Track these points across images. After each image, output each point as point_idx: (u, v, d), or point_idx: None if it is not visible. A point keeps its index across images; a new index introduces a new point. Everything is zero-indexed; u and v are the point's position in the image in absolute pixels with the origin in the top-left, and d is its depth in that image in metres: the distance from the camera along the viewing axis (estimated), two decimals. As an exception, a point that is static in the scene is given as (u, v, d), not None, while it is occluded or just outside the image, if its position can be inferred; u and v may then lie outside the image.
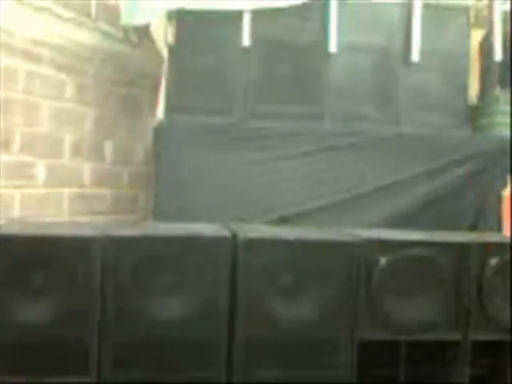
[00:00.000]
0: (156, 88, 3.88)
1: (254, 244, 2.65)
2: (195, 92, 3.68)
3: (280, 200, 3.51)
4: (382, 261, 2.85)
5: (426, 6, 3.92)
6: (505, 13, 4.15)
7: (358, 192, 3.66)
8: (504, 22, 4.09)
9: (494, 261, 2.97)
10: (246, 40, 3.66)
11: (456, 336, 2.94)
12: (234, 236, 2.65)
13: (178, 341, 2.51)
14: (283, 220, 3.43)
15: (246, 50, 3.66)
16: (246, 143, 3.58)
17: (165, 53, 3.74)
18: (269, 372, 2.64)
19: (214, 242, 2.59)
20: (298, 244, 2.73)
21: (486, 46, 4.22)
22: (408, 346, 2.92)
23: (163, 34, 3.75)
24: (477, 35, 4.32)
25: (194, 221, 2.94)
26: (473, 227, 3.62)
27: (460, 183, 3.77)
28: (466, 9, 4.07)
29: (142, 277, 2.53)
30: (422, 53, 3.88)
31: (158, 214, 3.50)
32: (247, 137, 3.59)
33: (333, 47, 3.74)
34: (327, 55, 3.75)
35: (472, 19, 4.23)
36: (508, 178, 3.64)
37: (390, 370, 2.98)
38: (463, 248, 2.95)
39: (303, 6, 3.74)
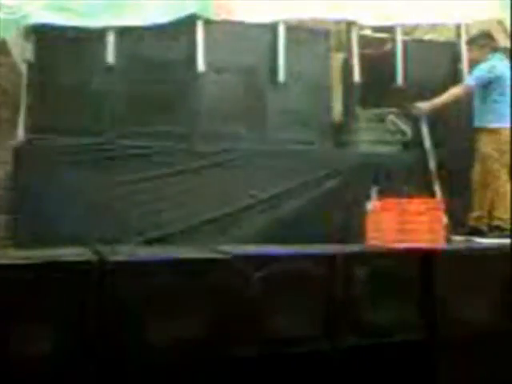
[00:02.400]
0: (16, 107, 3.65)
1: (123, 267, 2.54)
2: (59, 111, 3.50)
3: (155, 220, 3.42)
4: (257, 275, 2.87)
5: (290, 29, 4.06)
6: (362, 37, 4.43)
7: (232, 209, 3.67)
8: (360, 46, 4.36)
9: (361, 270, 3.11)
10: (110, 57, 3.55)
11: (327, 345, 3.02)
12: (101, 259, 2.52)
13: (43, 375, 2.32)
14: (158, 240, 3.35)
15: (110, 68, 3.55)
16: (116, 163, 3.46)
17: (23, 69, 3.52)
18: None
19: (77, 267, 2.44)
20: (172, 264, 2.67)
21: (346, 68, 4.47)
22: (281, 358, 2.96)
23: (21, 50, 3.54)
24: (339, 58, 4.56)
25: (59, 246, 2.76)
26: (341, 240, 3.75)
27: (327, 197, 3.92)
28: (326, 33, 4.28)
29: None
30: (288, 73, 4.01)
31: (20, 241, 3.26)
32: (116, 156, 3.47)
33: (201, 66, 3.74)
34: (195, 74, 3.75)
35: (334, 43, 4.47)
36: (372, 191, 3.83)
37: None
38: (331, 259, 3.06)
39: (171, 25, 3.72)
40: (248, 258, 2.88)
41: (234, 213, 3.64)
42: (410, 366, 3.26)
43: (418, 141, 4.29)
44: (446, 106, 4.17)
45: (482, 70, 4.15)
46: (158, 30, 3.70)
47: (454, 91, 4.16)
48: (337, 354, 3.01)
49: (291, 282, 2.93)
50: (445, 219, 4.04)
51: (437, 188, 4.09)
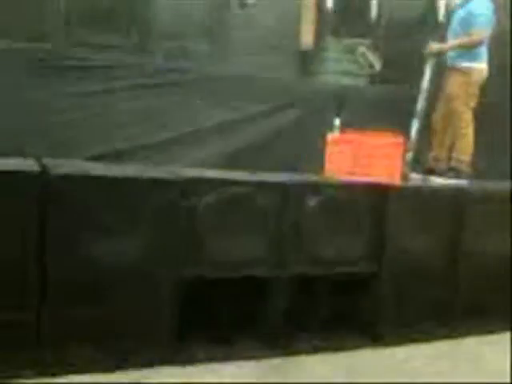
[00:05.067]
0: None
1: (65, 180, 2.49)
2: (9, 14, 3.30)
3: (107, 135, 3.33)
4: (204, 200, 2.86)
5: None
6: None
7: (190, 130, 3.60)
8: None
9: (312, 200, 3.12)
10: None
11: (276, 272, 3.07)
12: (44, 171, 2.46)
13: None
14: (108, 156, 3.28)
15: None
16: (69, 74, 3.31)
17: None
18: (83, 312, 2.54)
19: (18, 177, 2.38)
20: (116, 181, 2.63)
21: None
22: (231, 283, 3.00)
23: None
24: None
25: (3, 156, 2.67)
26: (299, 170, 3.74)
27: (289, 126, 3.87)
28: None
29: None
30: (258, -6, 3.86)
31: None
32: (68, 66, 3.30)
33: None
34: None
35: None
36: (334, 123, 3.80)
37: (214, 307, 3.06)
38: (283, 188, 3.06)
39: None
40: (196, 182, 2.86)
41: (190, 135, 3.57)
42: (356, 296, 3.36)
43: (386, 75, 4.22)
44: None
45: (488, 15, 3.95)
46: None
47: (467, 41, 3.96)
48: (285, 282, 3.07)
49: (241, 208, 2.94)
50: (408, 156, 4.08)
51: (416, 127, 4.05)
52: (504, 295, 3.67)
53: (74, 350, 2.53)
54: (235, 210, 2.94)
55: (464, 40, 3.93)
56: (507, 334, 3.54)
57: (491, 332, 3.61)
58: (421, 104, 4.08)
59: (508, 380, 2.40)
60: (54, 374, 2.43)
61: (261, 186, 3.03)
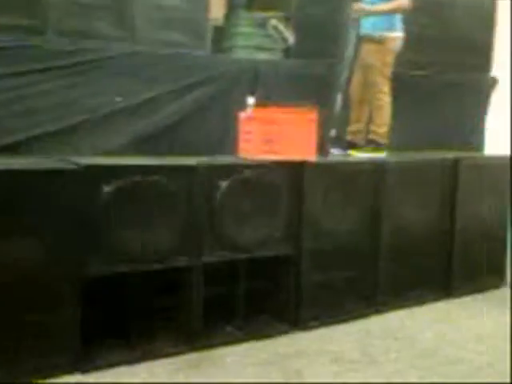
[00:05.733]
0: None
1: None
2: None
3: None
4: (106, 189, 2.71)
5: None
6: None
7: (93, 116, 3.39)
8: None
9: (224, 183, 3.03)
10: None
11: (191, 262, 2.97)
12: None
13: None
14: (10, 147, 3.06)
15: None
16: None
17: None
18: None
19: None
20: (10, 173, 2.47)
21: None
22: (143, 277, 2.88)
23: None
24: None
25: None
26: (214, 151, 3.62)
27: (201, 106, 3.73)
28: None
29: None
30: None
31: None
32: None
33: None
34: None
35: None
36: (248, 100, 3.68)
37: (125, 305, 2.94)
38: (193, 171, 2.94)
39: None
40: (98, 170, 2.71)
41: (95, 120, 3.37)
42: (277, 280, 3.31)
43: (300, 49, 4.14)
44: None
45: None
46: None
47: (401, 2, 3.89)
48: (200, 271, 2.97)
49: (146, 195, 2.81)
50: (331, 132, 4.04)
51: (338, 101, 3.99)
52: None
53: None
54: (143, 197, 2.81)
55: (392, 3, 3.87)
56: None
57: (423, 303, 3.69)
58: (343, 76, 4.03)
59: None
60: None
61: (170, 170, 2.91)
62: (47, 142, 3.21)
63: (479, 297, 3.89)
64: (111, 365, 2.68)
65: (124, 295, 2.92)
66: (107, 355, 2.74)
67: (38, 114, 3.18)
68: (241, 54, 3.97)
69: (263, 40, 4.05)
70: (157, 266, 2.87)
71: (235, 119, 3.49)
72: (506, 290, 4.03)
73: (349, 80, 4.09)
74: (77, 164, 2.68)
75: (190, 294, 2.97)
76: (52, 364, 2.55)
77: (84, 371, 2.60)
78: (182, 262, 2.94)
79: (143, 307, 2.93)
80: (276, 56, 4.10)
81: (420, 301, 3.69)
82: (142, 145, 3.56)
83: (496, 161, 4.24)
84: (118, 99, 3.41)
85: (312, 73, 4.16)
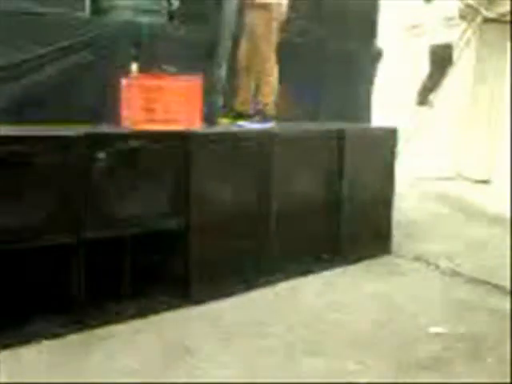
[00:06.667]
0: None
1: None
2: None
3: None
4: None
5: None
6: None
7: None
8: None
9: (102, 154, 2.89)
10: None
11: (70, 238, 2.84)
12: None
13: None
14: None
15: None
16: None
17: None
18: None
19: None
20: None
21: None
22: (19, 254, 2.71)
23: None
24: None
25: None
26: (94, 120, 3.46)
27: (78, 71, 3.54)
28: None
29: None
30: None
31: None
32: None
33: None
34: None
35: None
36: (130, 65, 3.54)
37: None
38: (68, 142, 2.79)
39: None
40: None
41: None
42: (165, 254, 3.24)
43: (184, 13, 4.03)
44: None
45: None
46: None
47: None
48: (80, 248, 2.86)
49: (19, 168, 2.63)
50: (218, 101, 3.99)
51: (223, 69, 3.92)
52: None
53: None
54: (12, 170, 2.64)
55: None
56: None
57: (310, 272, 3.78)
58: (227, 43, 3.98)
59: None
60: None
61: (43, 141, 2.74)
62: None
63: (364, 264, 4.06)
64: None
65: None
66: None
67: None
68: (122, 16, 3.79)
69: (147, 2, 3.90)
70: (30, 244, 2.72)
71: (116, 86, 3.36)
72: (389, 258, 4.24)
73: (235, 48, 4.06)
74: None
75: (72, 272, 2.86)
76: None
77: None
78: (59, 239, 2.80)
79: (19, 288, 2.76)
80: (160, 19, 3.96)
81: (306, 270, 3.79)
82: (10, 113, 3.33)
83: (381, 132, 4.41)
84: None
85: (197, 38, 4.07)
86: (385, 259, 4.20)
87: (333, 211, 3.95)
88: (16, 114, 3.33)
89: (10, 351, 2.61)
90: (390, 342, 2.85)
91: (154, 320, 3.04)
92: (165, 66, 3.51)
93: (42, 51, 3.42)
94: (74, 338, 2.77)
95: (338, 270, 3.89)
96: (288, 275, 3.67)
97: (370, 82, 5.40)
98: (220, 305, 3.27)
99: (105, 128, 3.20)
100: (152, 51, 3.80)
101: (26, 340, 2.69)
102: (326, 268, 3.87)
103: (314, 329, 2.99)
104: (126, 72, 3.47)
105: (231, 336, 2.88)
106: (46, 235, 2.78)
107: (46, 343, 2.70)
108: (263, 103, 4.01)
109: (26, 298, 2.78)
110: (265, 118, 3.99)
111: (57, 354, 2.62)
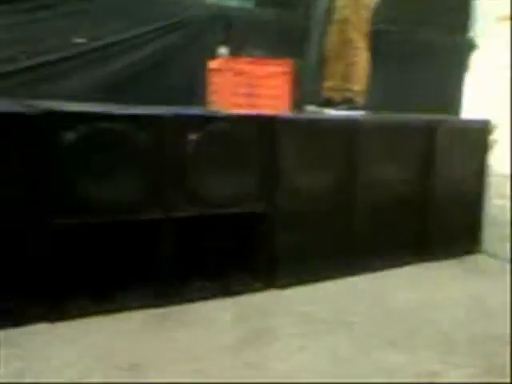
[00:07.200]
0: None
1: None
2: None
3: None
4: (70, 135, 2.62)
5: None
6: None
7: (52, 58, 3.24)
8: None
9: (193, 135, 2.94)
10: None
11: (160, 216, 2.91)
12: None
13: None
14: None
15: None
16: None
17: None
18: None
19: None
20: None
21: None
22: (111, 228, 2.80)
23: None
24: None
25: None
26: (182, 102, 3.52)
27: (169, 54, 3.61)
28: None
29: None
30: None
31: None
32: None
33: None
34: None
35: None
36: (219, 49, 3.58)
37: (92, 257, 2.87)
38: (160, 122, 2.85)
39: None
40: (58, 115, 2.59)
41: (55, 62, 3.22)
42: (248, 237, 3.27)
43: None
44: None
45: None
46: None
47: None
48: (170, 226, 2.92)
49: (110, 146, 2.71)
50: (305, 87, 3.98)
51: (313, 55, 3.91)
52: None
53: None
54: (107, 148, 2.72)
55: None
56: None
57: (397, 265, 3.70)
58: (318, 29, 3.95)
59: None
60: None
61: (136, 120, 2.81)
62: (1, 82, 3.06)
63: (454, 262, 3.93)
64: (80, 315, 2.67)
65: (91, 247, 2.84)
66: (77, 306, 2.72)
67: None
68: (213, 0, 3.84)
69: (235, -15, 3.93)
70: (121, 218, 2.81)
71: (205, 69, 3.40)
72: (480, 257, 4.09)
73: (325, 34, 4.02)
74: (37, 108, 2.57)
75: (160, 248, 2.92)
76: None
77: (53, 320, 2.58)
78: (149, 215, 2.86)
79: (112, 260, 2.86)
80: (249, 3, 3.97)
81: (394, 263, 3.71)
82: (103, 92, 3.44)
83: (473, 124, 4.24)
84: (80, 41, 3.25)
85: (287, 24, 4.07)
86: (476, 258, 4.04)
87: (423, 205, 3.83)
88: (107, 93, 3.45)
89: (103, 318, 2.71)
90: (480, 344, 2.74)
91: (236, 301, 3.06)
92: (254, 51, 3.52)
93: (134, 33, 3.51)
94: (155, 313, 2.83)
95: (427, 266, 3.77)
96: (376, 267, 3.60)
97: (462, 73, 5.23)
98: (305, 291, 3.24)
99: (194, 110, 3.24)
100: (241, 35, 3.82)
101: (117, 309, 2.79)
102: (414, 263, 3.77)
103: (401, 324, 2.91)
104: (215, 56, 3.51)
105: (314, 323, 2.85)
106: (142, 211, 2.85)
107: (130, 314, 2.78)
108: (352, 91, 3.94)
109: (118, 269, 2.88)
110: (353, 106, 3.92)
111: (146, 324, 2.70)
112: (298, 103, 3.63)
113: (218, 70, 3.31)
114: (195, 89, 3.59)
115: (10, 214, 2.50)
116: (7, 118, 2.50)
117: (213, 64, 3.36)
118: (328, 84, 4.06)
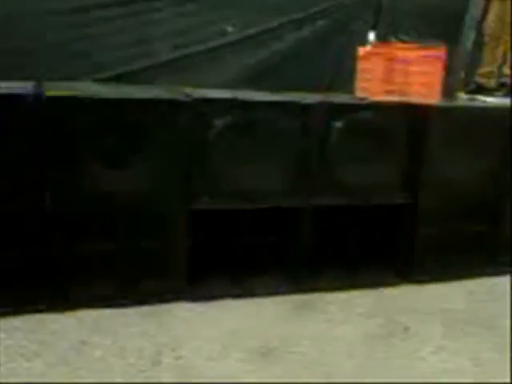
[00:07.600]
0: None
1: (62, 102, 2.40)
2: None
3: (113, 55, 3.18)
4: (218, 122, 2.74)
5: None
6: None
7: (203, 47, 3.41)
8: None
9: (338, 123, 2.95)
10: None
11: (302, 203, 2.96)
12: (38, 94, 2.39)
13: None
14: (115, 78, 3.15)
15: None
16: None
17: None
18: (92, 246, 2.53)
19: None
20: (117, 103, 2.53)
21: None
22: (251, 215, 2.92)
23: None
24: None
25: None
26: (330, 89, 3.55)
27: (317, 39, 3.64)
28: None
29: None
30: None
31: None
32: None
33: None
34: None
35: None
36: (369, 35, 3.55)
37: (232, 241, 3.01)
38: (306, 109, 2.89)
39: None
40: (211, 102, 2.73)
41: (205, 52, 3.38)
42: (390, 229, 3.24)
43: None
44: None
45: None
46: None
47: None
48: (311, 213, 2.98)
49: (259, 132, 2.80)
50: (459, 73, 3.82)
51: (470, 39, 3.75)
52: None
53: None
54: (253, 134, 2.82)
55: None
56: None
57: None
58: (475, 12, 3.76)
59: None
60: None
61: (283, 107, 2.88)
62: (156, 71, 3.27)
63: None
64: (216, 297, 2.79)
65: (231, 231, 2.99)
66: (213, 287, 2.85)
67: (149, 43, 3.23)
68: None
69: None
70: (264, 205, 2.90)
71: (353, 56, 3.38)
72: None
73: (484, 16, 3.82)
74: (188, 95, 2.72)
75: (299, 235, 2.98)
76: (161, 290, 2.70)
77: (190, 301, 2.72)
78: (291, 202, 2.93)
79: (250, 244, 2.98)
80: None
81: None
82: (251, 78, 3.55)
83: None
84: (230, 29, 3.38)
85: (441, 7, 3.91)
86: None
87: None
88: (256, 79, 3.55)
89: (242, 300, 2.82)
90: None
91: (371, 293, 3.03)
92: (405, 36, 3.45)
93: (283, 20, 3.58)
94: (290, 299, 2.88)
95: None
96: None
97: None
98: (442, 288, 3.14)
99: (341, 97, 3.24)
100: (391, 19, 3.75)
101: (249, 294, 2.88)
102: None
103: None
104: (365, 41, 3.48)
105: (454, 323, 2.76)
106: (278, 198, 2.92)
107: (265, 299, 2.85)
108: (506, 76, 3.71)
109: (257, 254, 2.99)
110: (507, 92, 3.70)
111: (280, 311, 2.76)
112: (449, 90, 3.49)
113: (368, 56, 3.28)
114: (343, 75, 3.58)
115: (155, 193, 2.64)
116: (170, 104, 2.65)
117: (363, 50, 3.33)
118: (483, 69, 3.86)
